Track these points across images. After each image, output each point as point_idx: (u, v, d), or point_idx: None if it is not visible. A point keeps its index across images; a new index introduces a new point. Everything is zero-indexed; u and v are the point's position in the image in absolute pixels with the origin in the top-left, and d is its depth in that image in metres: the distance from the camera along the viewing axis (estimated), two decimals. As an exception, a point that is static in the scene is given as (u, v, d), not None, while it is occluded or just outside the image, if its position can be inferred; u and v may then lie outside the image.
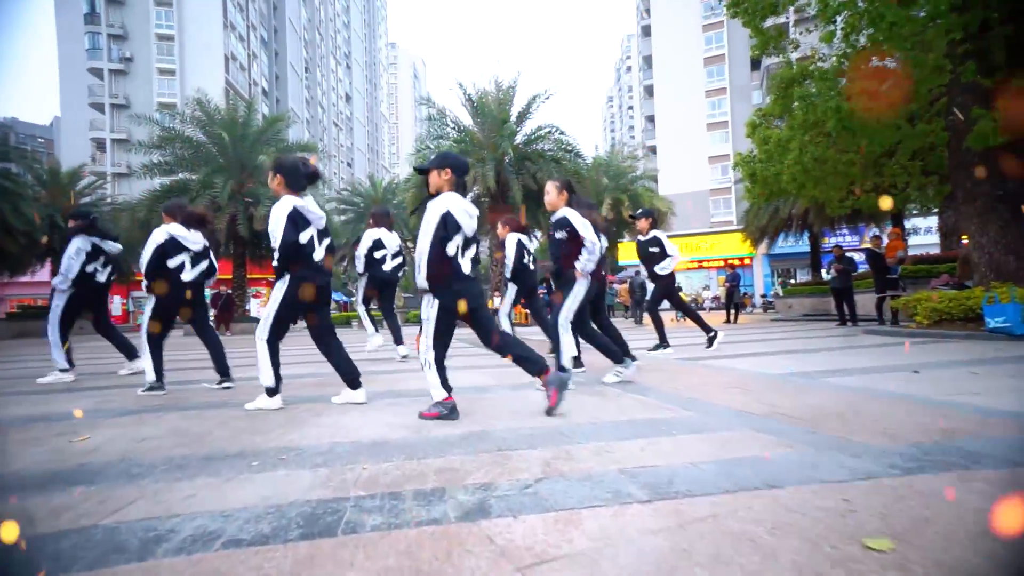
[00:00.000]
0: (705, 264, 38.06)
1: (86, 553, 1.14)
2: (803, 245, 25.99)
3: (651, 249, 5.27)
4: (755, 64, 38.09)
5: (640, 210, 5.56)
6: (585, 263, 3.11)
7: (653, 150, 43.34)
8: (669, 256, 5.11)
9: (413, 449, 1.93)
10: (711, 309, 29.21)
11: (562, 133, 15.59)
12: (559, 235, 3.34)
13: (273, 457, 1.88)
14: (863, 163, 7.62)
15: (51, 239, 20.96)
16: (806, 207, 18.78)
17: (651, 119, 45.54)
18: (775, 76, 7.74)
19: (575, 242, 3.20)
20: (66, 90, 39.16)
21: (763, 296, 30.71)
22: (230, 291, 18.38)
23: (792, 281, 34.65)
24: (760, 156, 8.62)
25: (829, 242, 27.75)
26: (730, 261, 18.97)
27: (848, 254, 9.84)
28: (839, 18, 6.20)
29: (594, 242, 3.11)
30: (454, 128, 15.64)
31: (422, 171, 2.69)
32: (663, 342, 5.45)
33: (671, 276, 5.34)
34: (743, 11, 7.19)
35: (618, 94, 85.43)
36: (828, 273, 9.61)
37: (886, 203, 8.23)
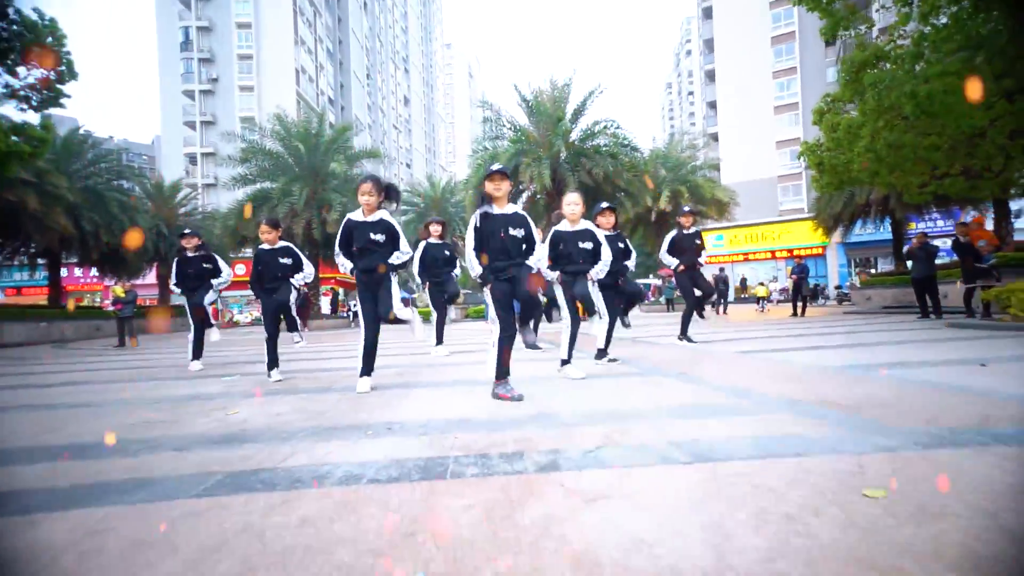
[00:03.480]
0: (763, 255, 36.24)
1: (279, 482, 1.62)
2: (885, 232, 24.05)
3: (696, 242, 5.78)
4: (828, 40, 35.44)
5: (687, 207, 5.91)
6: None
7: (715, 137, 41.52)
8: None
9: (494, 425, 2.32)
10: (779, 302, 27.75)
11: (618, 127, 15.55)
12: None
13: (382, 428, 2.34)
14: (948, 146, 7.13)
15: (157, 246, 23.86)
16: (885, 192, 17.45)
17: (712, 105, 43.64)
18: (845, 60, 7.41)
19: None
20: (165, 112, 43.74)
21: (838, 287, 28.69)
22: (307, 290, 20.02)
23: (873, 271, 32.10)
24: (828, 144, 8.30)
25: (916, 228, 25.48)
26: (797, 252, 18.03)
27: (934, 241, 9.21)
28: (914, -1, 5.89)
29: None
30: (510, 128, 16.05)
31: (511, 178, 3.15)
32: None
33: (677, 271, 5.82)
34: (807, -3, 6.98)
35: (677, 80, 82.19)
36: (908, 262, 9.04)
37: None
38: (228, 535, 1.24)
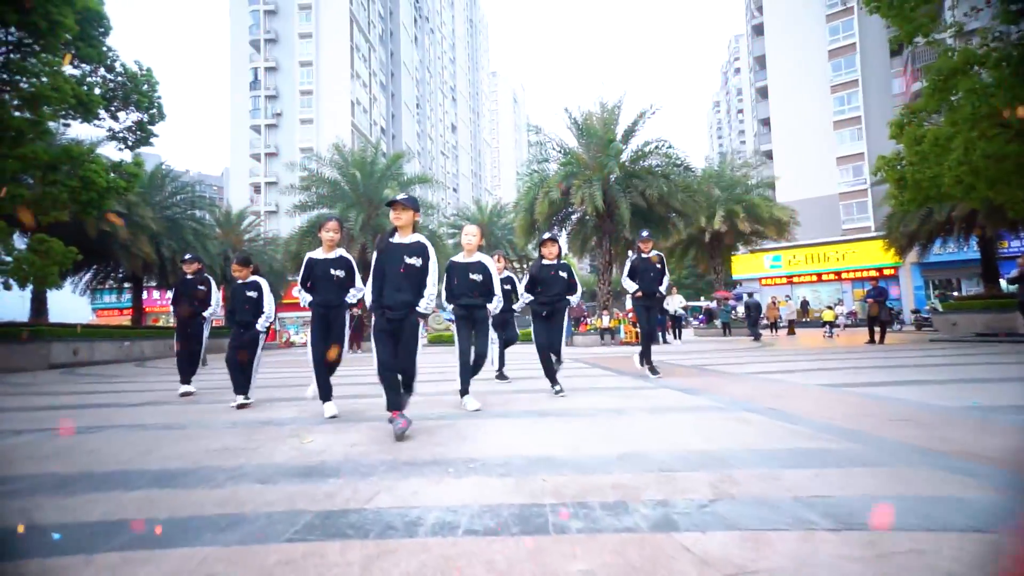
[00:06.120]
0: (826, 276, 34.18)
1: (371, 527, 1.53)
2: (969, 252, 22.06)
3: (658, 265, 5.59)
4: (895, 49, 33.74)
5: (645, 232, 5.71)
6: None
7: (768, 155, 40.05)
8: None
9: (580, 466, 2.15)
10: (845, 326, 25.86)
11: (670, 147, 15.24)
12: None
13: (463, 466, 2.22)
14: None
15: (225, 271, 25.52)
16: (978, 208, 16.03)
17: (765, 122, 42.27)
18: (931, 67, 6.88)
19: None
20: (234, 145, 47.45)
21: (915, 312, 26.40)
22: (361, 312, 20.64)
23: (954, 294, 29.42)
24: (910, 158, 7.69)
25: (1009, 247, 23.22)
26: (867, 273, 16.76)
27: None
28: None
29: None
30: (560, 151, 16.11)
31: (416, 209, 3.11)
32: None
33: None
34: (885, 3, 6.58)
35: (725, 98, 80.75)
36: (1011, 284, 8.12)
37: None
38: (333, 594, 1.15)
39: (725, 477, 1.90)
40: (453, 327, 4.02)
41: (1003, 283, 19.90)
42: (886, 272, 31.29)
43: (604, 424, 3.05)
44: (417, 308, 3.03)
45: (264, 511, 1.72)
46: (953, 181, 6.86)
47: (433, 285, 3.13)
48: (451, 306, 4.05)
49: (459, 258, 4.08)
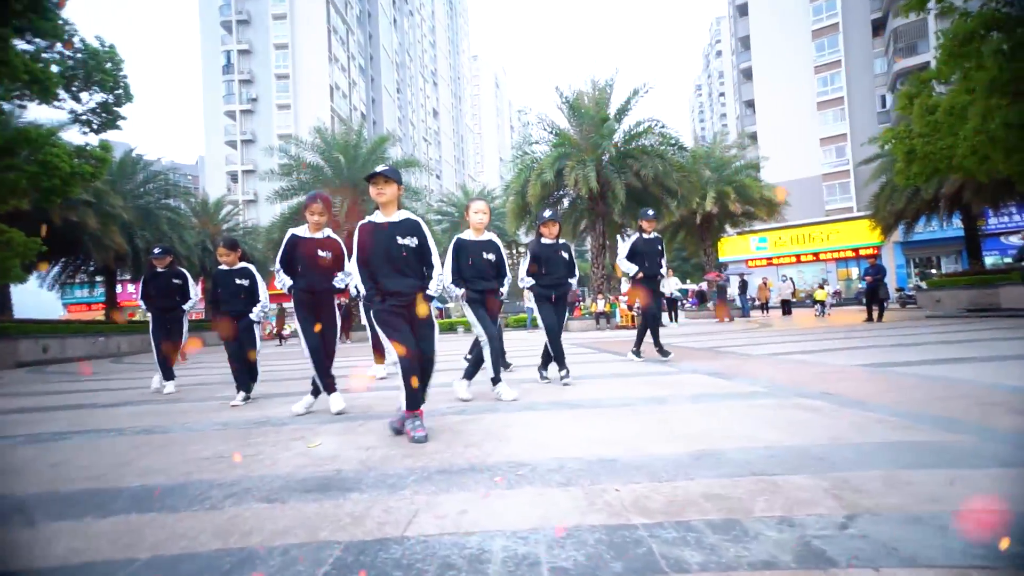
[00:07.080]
0: (808, 257, 34.65)
1: (424, 567, 1.16)
2: (950, 230, 22.41)
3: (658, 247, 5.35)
4: (876, 29, 33.81)
5: (651, 211, 5.41)
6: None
7: (753, 136, 40.08)
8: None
9: (650, 470, 1.81)
10: (832, 305, 26.18)
11: (664, 126, 14.88)
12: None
13: (510, 473, 1.86)
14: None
15: (203, 261, 24.51)
16: (960, 184, 16.07)
17: (750, 104, 42.23)
18: (946, 32, 6.61)
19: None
20: (209, 132, 45.63)
21: (899, 290, 26.82)
22: (348, 301, 20.06)
23: (933, 272, 30.04)
24: (921, 129, 7.46)
25: (988, 224, 23.58)
26: (846, 253, 16.77)
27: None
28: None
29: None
30: (551, 132, 15.62)
31: (399, 182, 2.71)
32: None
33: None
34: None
35: (707, 81, 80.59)
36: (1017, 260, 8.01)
37: None
38: None
39: (839, 482, 1.57)
40: (467, 311, 3.61)
41: (987, 259, 20.28)
42: (862, 252, 31.73)
43: (650, 416, 2.72)
44: (428, 292, 2.65)
45: (278, 543, 1.34)
46: (968, 151, 6.65)
47: (440, 264, 2.76)
48: (461, 291, 3.62)
49: (468, 236, 3.68)
